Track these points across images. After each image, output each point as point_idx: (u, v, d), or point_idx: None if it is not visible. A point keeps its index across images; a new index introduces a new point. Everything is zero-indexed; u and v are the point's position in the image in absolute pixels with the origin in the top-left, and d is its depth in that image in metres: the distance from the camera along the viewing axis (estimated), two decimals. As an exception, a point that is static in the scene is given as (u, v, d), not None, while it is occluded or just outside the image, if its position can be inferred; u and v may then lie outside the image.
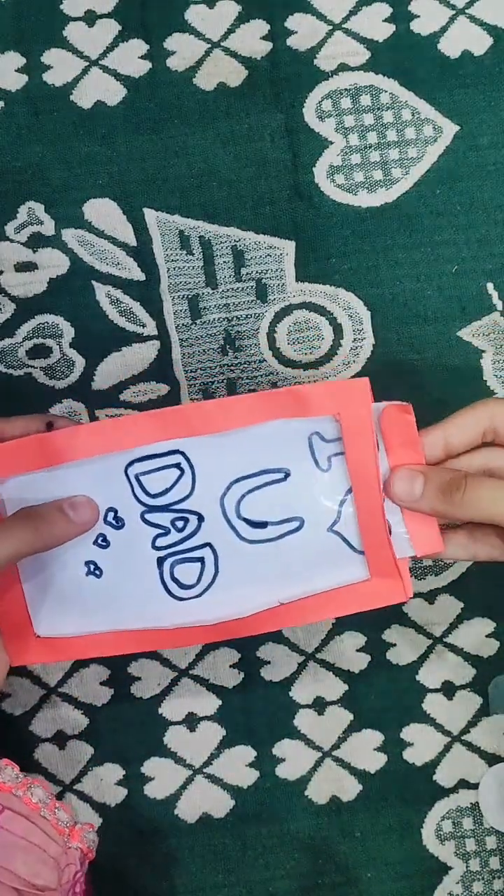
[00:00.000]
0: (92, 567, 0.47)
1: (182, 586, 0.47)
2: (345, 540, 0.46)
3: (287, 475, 0.46)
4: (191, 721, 0.56)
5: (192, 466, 0.46)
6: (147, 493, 0.47)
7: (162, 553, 0.47)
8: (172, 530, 0.47)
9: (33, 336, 0.58)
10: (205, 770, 0.56)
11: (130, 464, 0.46)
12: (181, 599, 0.47)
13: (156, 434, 0.45)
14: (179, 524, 0.47)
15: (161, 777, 0.56)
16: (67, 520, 0.45)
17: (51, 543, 0.45)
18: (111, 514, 0.47)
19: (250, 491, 0.46)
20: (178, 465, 0.46)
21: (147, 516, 0.47)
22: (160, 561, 0.47)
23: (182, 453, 0.46)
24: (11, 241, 0.58)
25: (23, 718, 0.56)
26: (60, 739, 0.56)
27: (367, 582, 0.47)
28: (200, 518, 0.47)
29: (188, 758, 0.56)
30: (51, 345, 0.58)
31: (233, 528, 0.47)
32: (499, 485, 0.43)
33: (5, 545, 0.43)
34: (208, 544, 0.47)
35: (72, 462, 0.45)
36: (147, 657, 0.56)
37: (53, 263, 0.58)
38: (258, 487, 0.46)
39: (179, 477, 0.46)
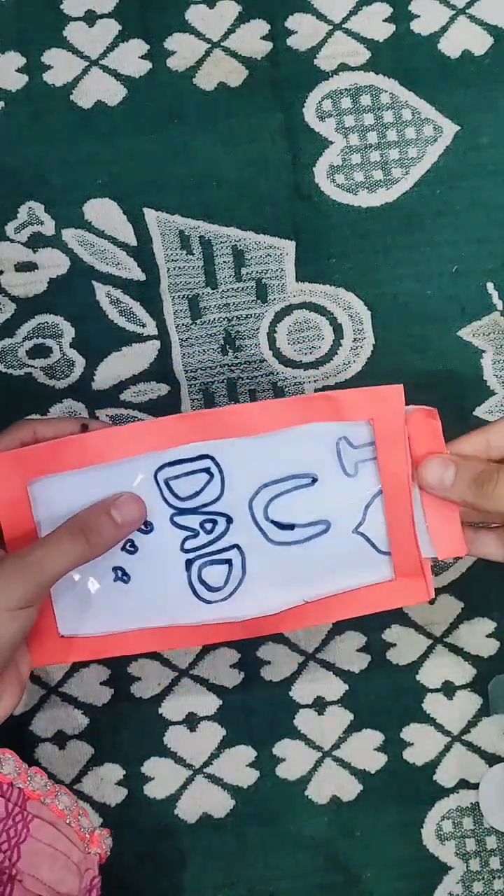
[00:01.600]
0: (120, 573, 0.48)
1: (210, 588, 0.48)
2: (369, 541, 0.47)
3: (315, 480, 0.47)
4: (191, 721, 0.56)
5: (221, 471, 0.47)
6: (176, 497, 0.47)
7: (191, 555, 0.47)
8: (201, 532, 0.47)
9: (33, 336, 0.58)
10: (205, 770, 0.56)
11: (160, 469, 0.47)
12: (208, 602, 0.48)
13: (192, 435, 0.46)
14: (208, 526, 0.47)
15: (161, 777, 0.56)
16: (115, 524, 0.45)
17: (101, 552, 0.45)
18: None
19: (279, 495, 0.47)
20: (207, 470, 0.47)
21: (176, 519, 0.47)
22: (188, 563, 0.48)
23: (212, 458, 0.46)
24: (11, 241, 0.58)
25: (23, 718, 0.56)
26: (60, 739, 0.56)
27: (391, 582, 0.47)
28: (229, 520, 0.47)
29: (188, 758, 0.56)
30: (51, 345, 0.58)
31: (261, 529, 0.47)
32: None
33: (57, 559, 0.43)
34: (236, 545, 0.48)
35: (101, 465, 0.46)
36: (147, 657, 0.56)
37: (53, 263, 0.58)
38: (287, 492, 0.47)
39: (209, 481, 0.47)
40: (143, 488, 0.47)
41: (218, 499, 0.47)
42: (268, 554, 0.47)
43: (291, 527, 0.47)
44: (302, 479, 0.47)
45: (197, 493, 0.47)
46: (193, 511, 0.47)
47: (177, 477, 0.47)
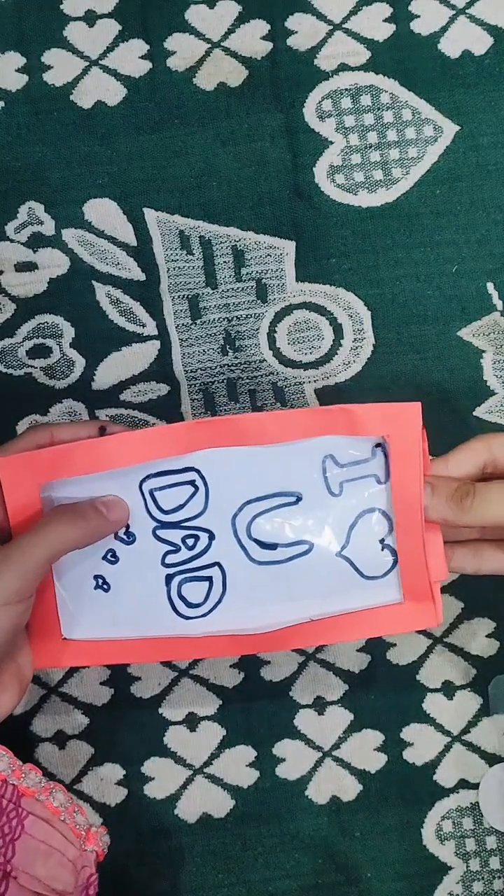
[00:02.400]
0: (100, 581, 0.48)
1: (189, 605, 0.48)
2: (353, 565, 0.47)
3: (299, 499, 0.46)
4: (191, 721, 0.56)
5: (206, 484, 0.46)
6: (160, 509, 0.47)
7: (171, 570, 0.47)
8: (183, 548, 0.47)
9: (33, 336, 0.58)
10: (205, 770, 0.56)
11: (145, 479, 0.46)
12: (187, 618, 0.48)
13: (208, 441, 0.46)
14: (190, 542, 0.47)
15: (161, 777, 0.56)
16: (103, 517, 0.45)
17: (89, 539, 0.45)
18: (122, 529, 0.47)
19: (262, 512, 0.47)
20: (192, 483, 0.46)
21: (159, 532, 0.47)
22: (168, 578, 0.47)
23: (197, 471, 0.46)
24: (11, 241, 0.58)
25: (23, 718, 0.56)
26: (60, 739, 0.56)
27: (400, 605, 0.47)
28: (211, 536, 0.47)
29: (188, 758, 0.56)
30: (51, 345, 0.58)
31: (243, 547, 0.47)
32: None
33: (48, 540, 0.43)
34: (217, 563, 0.47)
35: (114, 471, 0.46)
36: (147, 657, 0.56)
37: (53, 263, 0.58)
38: (270, 509, 0.47)
39: (193, 494, 0.47)
40: (127, 499, 0.47)
41: (201, 514, 0.47)
42: (249, 573, 0.47)
43: (274, 546, 0.47)
44: (286, 497, 0.47)
45: (180, 507, 0.47)
46: (176, 525, 0.47)
47: (161, 488, 0.47)
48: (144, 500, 0.47)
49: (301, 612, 0.47)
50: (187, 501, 0.47)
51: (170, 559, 0.47)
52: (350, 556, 0.47)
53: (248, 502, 0.47)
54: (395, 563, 0.47)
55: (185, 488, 0.46)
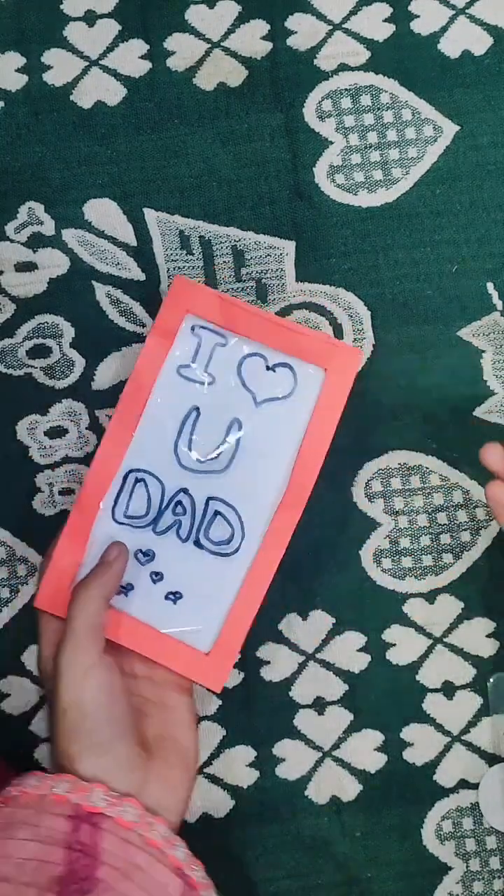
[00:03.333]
0: (171, 596, 0.52)
1: (223, 543, 0.51)
2: (276, 399, 0.52)
3: (198, 410, 0.52)
4: (191, 721, 0.56)
5: (145, 470, 0.52)
6: (142, 518, 0.52)
7: (194, 537, 0.52)
8: (182, 517, 0.52)
9: (33, 336, 0.58)
10: (205, 770, 0.56)
11: (112, 514, 0.51)
12: (237, 550, 0.51)
13: (126, 438, 0.52)
14: (179, 510, 0.52)
15: (161, 777, 0.56)
16: (107, 566, 0.49)
17: (112, 587, 0.49)
18: (140, 554, 0.52)
19: (189, 437, 0.52)
20: (137, 480, 0.52)
21: (157, 531, 0.52)
22: (198, 545, 0.52)
23: (133, 470, 0.51)
24: (11, 241, 0.58)
25: (23, 718, 0.56)
26: (60, 739, 0.56)
27: (325, 375, 0.52)
28: (185, 490, 0.52)
29: (188, 758, 0.56)
30: (51, 345, 0.58)
31: (210, 473, 0.52)
32: None
33: (89, 603, 0.48)
34: (211, 498, 0.52)
35: (89, 546, 0.51)
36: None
37: (53, 263, 0.58)
38: (192, 430, 0.52)
39: (146, 484, 0.52)
40: (126, 541, 0.51)
41: (164, 488, 0.52)
42: (234, 482, 0.52)
43: (219, 448, 0.52)
44: (179, 413, 0.52)
45: (150, 500, 0.52)
46: (160, 514, 0.52)
47: (127, 506, 0.52)
48: (129, 526, 0.52)
49: (289, 452, 0.52)
50: (149, 493, 0.52)
51: (183, 532, 0.52)
52: (264, 397, 0.52)
53: (175, 445, 0.52)
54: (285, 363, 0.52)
55: (139, 487, 0.52)
